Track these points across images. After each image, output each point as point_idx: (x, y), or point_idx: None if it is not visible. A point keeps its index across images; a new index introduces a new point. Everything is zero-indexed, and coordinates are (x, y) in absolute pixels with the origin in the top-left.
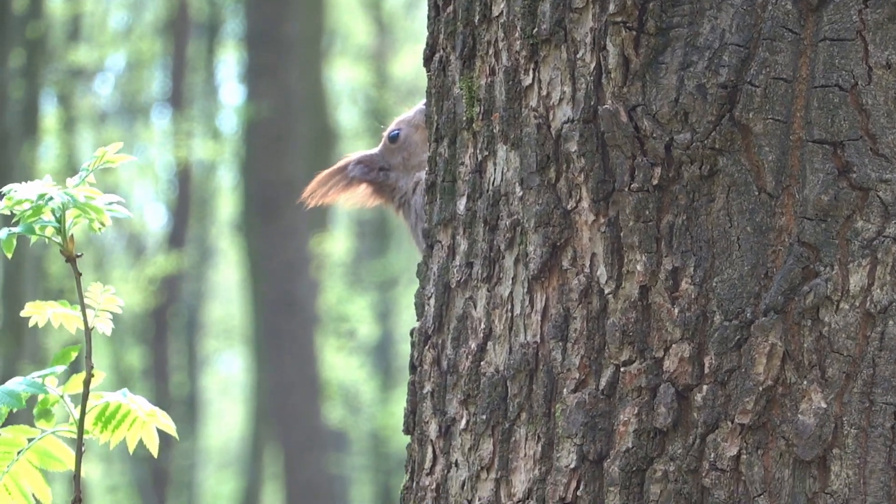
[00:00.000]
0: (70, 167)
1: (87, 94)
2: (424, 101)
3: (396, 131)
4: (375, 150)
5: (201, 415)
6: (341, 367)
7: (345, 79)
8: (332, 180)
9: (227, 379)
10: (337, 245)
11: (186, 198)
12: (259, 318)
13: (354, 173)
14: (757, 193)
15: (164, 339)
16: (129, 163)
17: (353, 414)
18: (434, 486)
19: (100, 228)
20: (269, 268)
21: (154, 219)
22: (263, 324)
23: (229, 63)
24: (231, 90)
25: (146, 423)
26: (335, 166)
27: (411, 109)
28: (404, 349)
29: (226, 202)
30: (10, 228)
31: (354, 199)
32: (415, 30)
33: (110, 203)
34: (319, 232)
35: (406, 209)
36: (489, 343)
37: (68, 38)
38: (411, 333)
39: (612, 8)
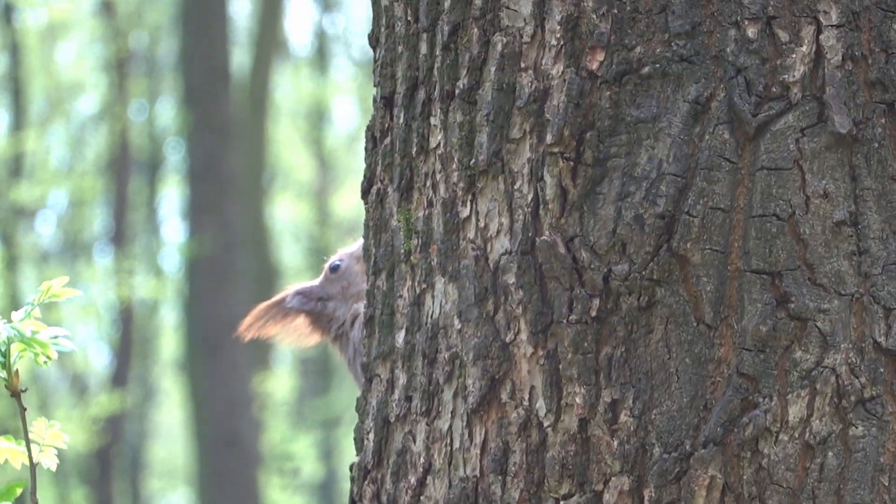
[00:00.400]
0: (13, 306)
1: (30, 232)
2: None
3: (338, 262)
4: (315, 281)
5: None
6: None
7: (287, 215)
8: (270, 312)
9: None
10: (280, 383)
11: (129, 337)
12: (202, 457)
13: (292, 304)
14: (695, 324)
15: (108, 479)
16: (72, 301)
17: None
18: None
19: (45, 362)
20: (212, 407)
21: (97, 358)
22: (206, 463)
23: (171, 199)
24: (173, 227)
25: None
26: (273, 299)
27: (354, 243)
28: (348, 487)
29: (168, 341)
30: None
31: (291, 334)
32: (356, 165)
33: (55, 337)
34: (262, 370)
35: (343, 341)
36: (429, 477)
37: (10, 175)
38: (351, 468)
39: (549, 139)
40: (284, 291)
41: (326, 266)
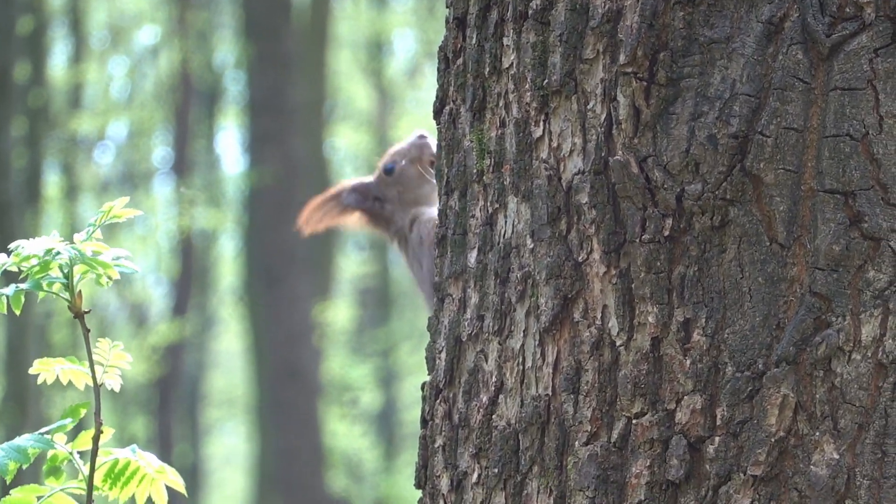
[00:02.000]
0: (69, 237)
1: (89, 162)
2: (419, 132)
3: (392, 164)
4: (370, 178)
5: (204, 484)
6: (344, 435)
7: (347, 146)
8: (326, 207)
9: (231, 448)
10: (339, 313)
11: (189, 267)
12: (262, 387)
13: (349, 201)
14: (768, 244)
15: (167, 409)
16: (131, 232)
17: (357, 482)
18: None
19: (107, 283)
20: (272, 337)
21: (156, 288)
22: (266, 393)
23: (231, 131)
24: (233, 158)
25: (155, 479)
26: (329, 193)
27: (405, 140)
28: (407, 417)
29: (228, 271)
30: (18, 284)
31: (349, 225)
32: (415, 96)
33: (117, 258)
34: (322, 300)
35: (403, 243)
36: (500, 396)
37: (70, 106)
38: (422, 387)
39: (622, 59)
40: (340, 186)
41: (380, 166)
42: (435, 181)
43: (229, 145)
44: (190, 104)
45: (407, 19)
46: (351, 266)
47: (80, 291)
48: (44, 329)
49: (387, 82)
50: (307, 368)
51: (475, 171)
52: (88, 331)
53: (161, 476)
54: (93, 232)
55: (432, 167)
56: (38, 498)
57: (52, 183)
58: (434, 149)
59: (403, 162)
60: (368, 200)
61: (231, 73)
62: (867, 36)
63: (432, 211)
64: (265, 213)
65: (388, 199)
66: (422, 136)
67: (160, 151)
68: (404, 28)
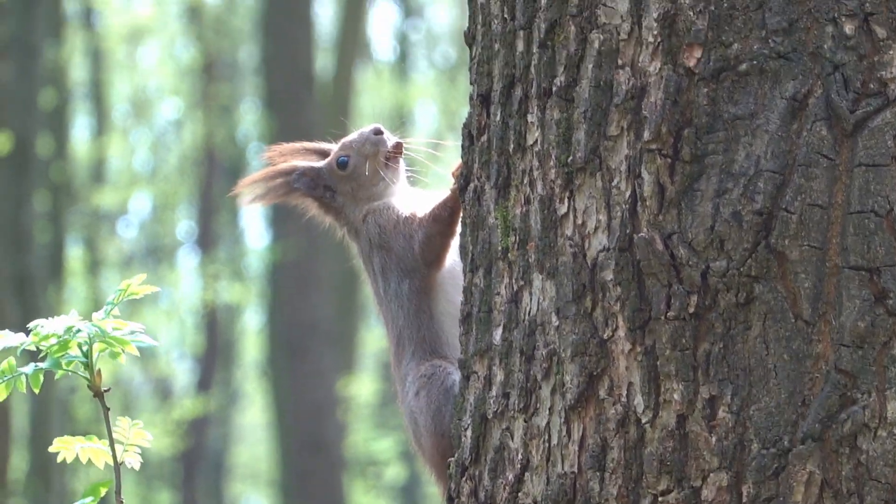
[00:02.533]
0: (95, 310)
1: (113, 236)
2: (375, 126)
3: (345, 158)
4: (321, 163)
5: None
6: None
7: None
8: (273, 184)
9: None
10: (363, 387)
11: (213, 341)
12: (286, 461)
13: (299, 185)
14: (794, 321)
15: (192, 482)
16: (155, 306)
17: None
18: None
19: (125, 360)
20: (296, 411)
21: (180, 362)
22: (291, 467)
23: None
24: (257, 232)
25: None
26: (278, 168)
27: (360, 132)
28: (432, 490)
29: (251, 344)
30: (37, 364)
31: (294, 204)
32: (437, 169)
33: (134, 332)
34: (346, 374)
35: (353, 236)
36: (527, 474)
37: (93, 180)
38: (448, 465)
39: (647, 135)
40: (291, 164)
41: (333, 159)
42: (388, 180)
43: (253, 219)
44: (214, 177)
45: (429, 90)
46: (374, 339)
47: (99, 370)
48: (67, 403)
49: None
50: (331, 442)
51: (500, 248)
52: (108, 409)
53: None
54: (111, 310)
55: (389, 162)
56: None
57: (74, 257)
58: (389, 144)
59: (356, 157)
60: (318, 189)
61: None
62: (891, 112)
63: (387, 202)
64: (288, 286)
65: (339, 191)
66: (377, 131)
67: (184, 225)
68: (426, 99)
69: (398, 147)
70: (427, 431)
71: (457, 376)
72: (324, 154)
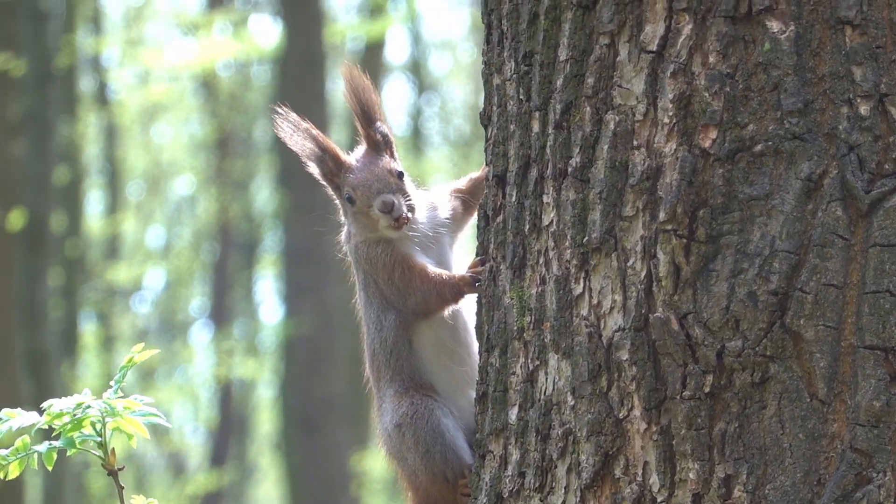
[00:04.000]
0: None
1: (126, 312)
2: (382, 199)
3: (353, 197)
4: (350, 158)
5: None
6: None
7: None
8: (308, 143)
9: None
10: (377, 462)
11: (227, 415)
12: None
13: (314, 167)
14: (809, 400)
15: None
16: (168, 382)
17: None
18: None
19: (136, 442)
20: (310, 485)
21: (194, 437)
22: None
23: (269, 280)
24: (271, 307)
25: None
26: (321, 139)
27: (375, 178)
28: None
29: (265, 419)
30: (51, 442)
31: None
32: None
33: (147, 411)
34: (359, 449)
35: (347, 240)
36: None
37: (107, 256)
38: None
39: (662, 216)
40: (330, 145)
41: (344, 187)
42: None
43: (267, 294)
44: (228, 253)
45: (443, 165)
46: None
47: (113, 449)
48: (81, 477)
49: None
50: None
51: (515, 328)
52: (122, 488)
53: None
54: (118, 387)
55: (397, 220)
56: None
57: (88, 333)
58: (394, 216)
59: (359, 205)
60: (327, 180)
61: (269, 221)
62: None
63: (384, 238)
64: (302, 362)
65: (340, 206)
66: (386, 209)
67: (198, 301)
68: (440, 175)
69: (400, 221)
70: (419, 473)
71: (440, 412)
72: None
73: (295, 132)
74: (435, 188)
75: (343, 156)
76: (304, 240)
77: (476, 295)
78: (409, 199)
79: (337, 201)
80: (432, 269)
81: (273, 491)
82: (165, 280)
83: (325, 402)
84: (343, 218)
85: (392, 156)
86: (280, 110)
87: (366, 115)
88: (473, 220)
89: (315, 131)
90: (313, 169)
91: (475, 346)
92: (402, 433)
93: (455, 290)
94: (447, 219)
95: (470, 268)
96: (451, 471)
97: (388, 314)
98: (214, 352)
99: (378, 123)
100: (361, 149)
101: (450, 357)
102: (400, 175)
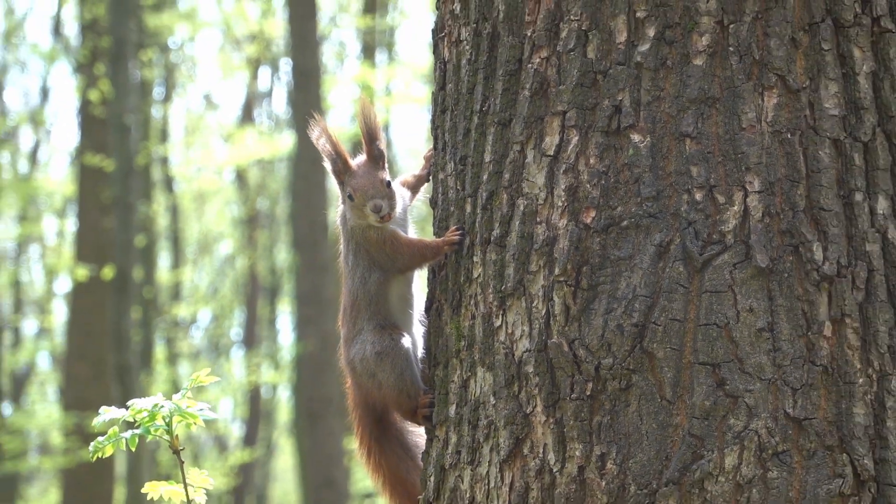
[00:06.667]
0: (174, 390)
1: (186, 337)
2: (372, 203)
3: (352, 196)
4: (354, 161)
5: None
6: None
7: None
8: (327, 145)
9: None
10: None
11: (256, 409)
12: (307, 494)
13: (326, 160)
14: (660, 400)
15: None
16: (215, 384)
17: None
18: None
19: (195, 429)
20: (314, 459)
21: (233, 425)
22: (310, 499)
23: (285, 315)
24: (287, 333)
25: None
26: (337, 144)
27: (372, 184)
28: None
29: (283, 412)
30: (133, 430)
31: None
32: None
33: (201, 409)
34: (350, 433)
35: (343, 221)
36: None
37: (171, 298)
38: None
39: (557, 271)
40: (341, 150)
41: (347, 187)
42: (374, 224)
43: (284, 324)
44: (257, 295)
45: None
46: None
47: (176, 435)
48: (154, 452)
49: None
50: (340, 481)
51: (454, 349)
52: (183, 462)
53: None
54: (185, 393)
55: (382, 218)
56: None
57: (159, 352)
58: (379, 215)
59: (358, 199)
60: (336, 176)
61: (286, 275)
62: (728, 254)
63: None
64: (308, 371)
65: (343, 196)
66: (375, 209)
67: (235, 329)
68: None
69: (384, 218)
70: (393, 389)
71: (409, 346)
72: (372, 145)
73: (320, 136)
74: (396, 180)
75: (350, 161)
76: (310, 287)
77: (444, 256)
78: (393, 201)
79: (340, 192)
80: (413, 238)
81: (288, 462)
82: (212, 315)
83: (325, 399)
84: (342, 205)
85: (383, 167)
86: (313, 118)
87: (370, 135)
88: (415, 200)
89: (335, 139)
90: (328, 165)
91: (418, 296)
92: (381, 359)
93: (435, 251)
94: (407, 205)
95: (447, 234)
96: (414, 389)
97: (372, 273)
98: (246, 365)
99: (377, 142)
100: (362, 158)
101: (407, 304)
102: (388, 184)
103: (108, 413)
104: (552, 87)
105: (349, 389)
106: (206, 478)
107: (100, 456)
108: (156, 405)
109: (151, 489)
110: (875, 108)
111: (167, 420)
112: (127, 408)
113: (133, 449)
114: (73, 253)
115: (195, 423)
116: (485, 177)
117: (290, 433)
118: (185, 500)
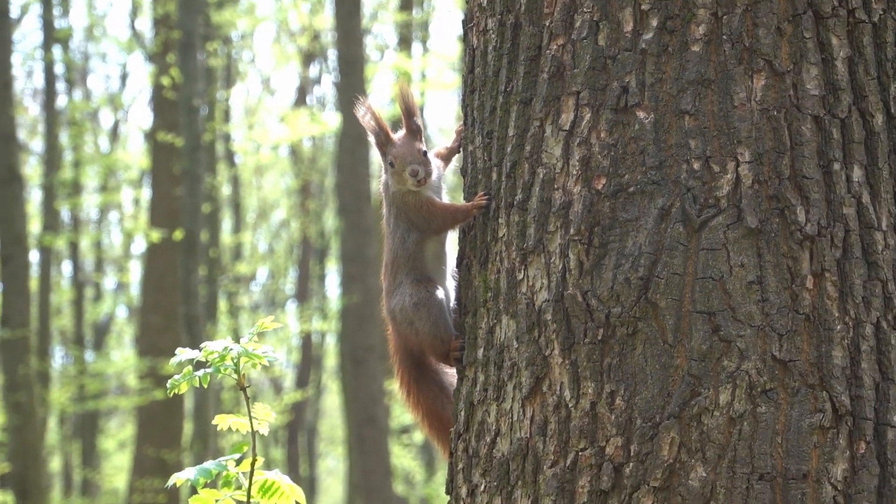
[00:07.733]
0: (236, 339)
1: (247, 292)
2: (411, 168)
3: (393, 163)
4: (395, 136)
5: (317, 491)
6: (403, 457)
7: None
8: (372, 122)
9: (333, 467)
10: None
11: (307, 355)
12: (352, 429)
13: (373, 139)
14: (662, 344)
15: (294, 443)
16: (272, 334)
17: (411, 488)
18: None
19: (260, 368)
20: (358, 398)
21: (287, 368)
22: (355, 433)
23: (333, 273)
24: (334, 288)
25: (289, 495)
26: (380, 120)
27: (410, 152)
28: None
29: (331, 357)
30: (206, 369)
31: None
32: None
33: (265, 351)
34: (389, 376)
35: (385, 188)
36: (498, 438)
37: (233, 257)
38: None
39: (572, 231)
40: (384, 125)
41: (388, 156)
42: (412, 188)
43: (332, 280)
44: (308, 256)
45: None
46: None
47: (244, 374)
48: (219, 393)
49: None
50: (380, 418)
51: (482, 299)
52: (248, 398)
53: (292, 491)
54: (251, 337)
55: (419, 181)
56: (216, 500)
57: (222, 305)
58: (416, 178)
59: (398, 168)
60: (379, 147)
61: (333, 237)
62: (722, 217)
63: (411, 190)
64: (353, 321)
65: (385, 165)
66: (413, 173)
67: (289, 285)
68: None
69: (421, 182)
70: (428, 335)
71: (442, 297)
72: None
73: (366, 113)
74: (431, 151)
75: (392, 134)
76: (354, 248)
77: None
78: (428, 168)
79: (382, 162)
80: (447, 202)
81: (336, 401)
82: (268, 272)
83: (368, 347)
84: (384, 174)
85: (420, 139)
86: (359, 99)
87: (408, 111)
88: (447, 170)
89: (378, 115)
90: (371, 139)
91: (451, 254)
92: (418, 309)
93: (465, 214)
94: (441, 173)
95: (475, 199)
96: (447, 335)
97: (411, 234)
98: (299, 316)
99: (415, 118)
100: (402, 132)
101: (440, 260)
102: (424, 153)
103: (183, 353)
104: (567, 70)
105: (390, 336)
106: (269, 412)
107: (176, 392)
108: (226, 347)
109: (220, 421)
110: (851, 89)
111: (235, 360)
112: (200, 350)
113: (205, 386)
114: (147, 218)
115: (260, 363)
116: (508, 149)
117: (336, 376)
118: (251, 430)
